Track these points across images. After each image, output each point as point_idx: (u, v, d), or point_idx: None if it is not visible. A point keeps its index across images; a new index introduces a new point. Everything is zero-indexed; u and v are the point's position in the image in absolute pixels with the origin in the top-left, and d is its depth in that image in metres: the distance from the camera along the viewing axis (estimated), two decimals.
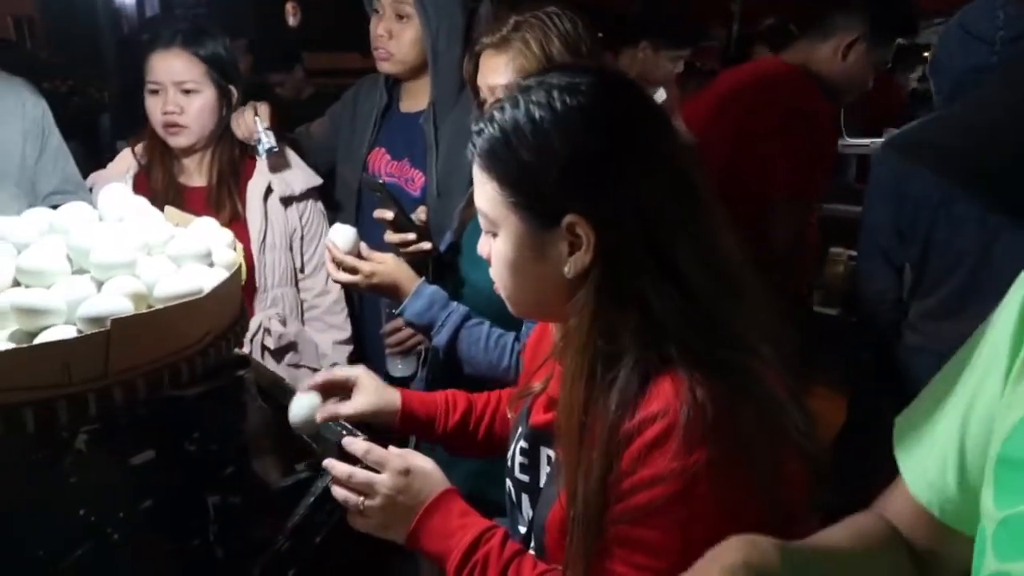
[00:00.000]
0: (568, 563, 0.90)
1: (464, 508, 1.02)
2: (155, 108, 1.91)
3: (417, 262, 1.71)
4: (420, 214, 1.74)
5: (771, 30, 3.98)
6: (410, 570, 2.45)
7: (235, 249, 1.29)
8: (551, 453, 1.05)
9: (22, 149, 1.95)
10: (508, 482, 1.16)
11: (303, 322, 2.07)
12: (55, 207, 1.28)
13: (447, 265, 1.72)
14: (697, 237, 0.90)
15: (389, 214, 1.65)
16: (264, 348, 1.95)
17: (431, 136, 1.94)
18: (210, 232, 1.28)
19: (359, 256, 1.59)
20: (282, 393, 1.45)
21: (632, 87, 0.96)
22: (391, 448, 1.04)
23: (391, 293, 1.60)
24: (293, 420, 1.18)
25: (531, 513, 1.09)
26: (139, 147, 2.01)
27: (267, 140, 1.93)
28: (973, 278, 1.85)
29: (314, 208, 2.08)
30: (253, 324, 1.94)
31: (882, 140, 2.33)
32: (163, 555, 1.06)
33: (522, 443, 1.11)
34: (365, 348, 2.16)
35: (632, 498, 0.85)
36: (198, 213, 1.38)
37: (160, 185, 1.94)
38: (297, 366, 2.01)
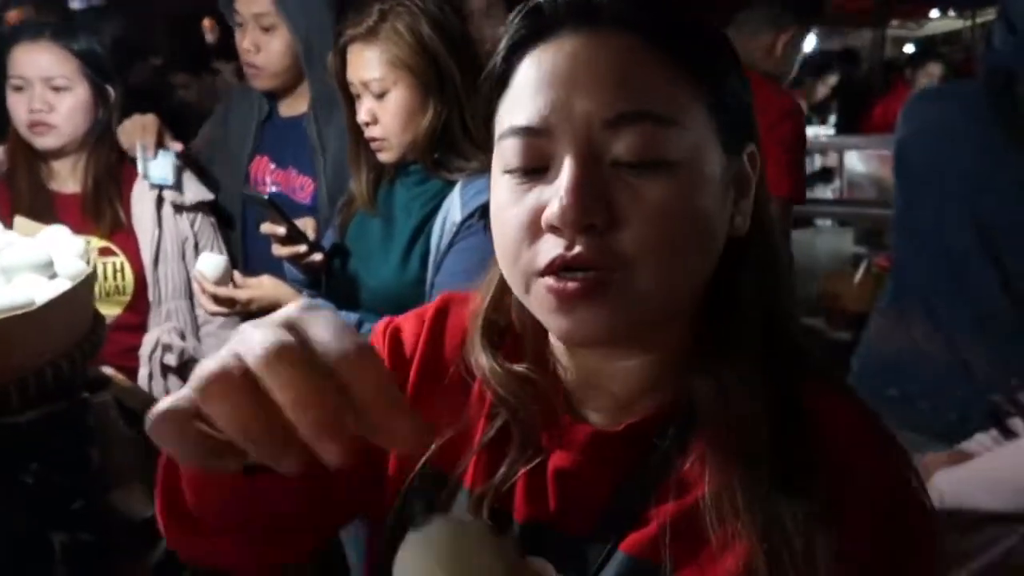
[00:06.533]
0: None
1: None
2: (19, 106, 1.73)
3: (311, 273, 1.62)
4: (308, 228, 1.62)
5: None
6: None
7: (87, 260, 1.17)
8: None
9: None
10: None
11: (199, 339, 1.93)
12: None
13: (332, 269, 1.63)
14: None
15: (280, 229, 1.53)
16: (164, 367, 1.80)
17: (315, 140, 1.85)
18: (58, 241, 1.16)
19: (233, 285, 1.48)
20: None
21: None
22: None
23: None
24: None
25: None
26: None
27: (157, 170, 1.79)
28: None
29: (204, 218, 1.95)
30: (149, 340, 1.79)
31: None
32: None
33: None
34: None
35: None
36: (73, 222, 1.25)
37: (24, 192, 1.76)
38: None
